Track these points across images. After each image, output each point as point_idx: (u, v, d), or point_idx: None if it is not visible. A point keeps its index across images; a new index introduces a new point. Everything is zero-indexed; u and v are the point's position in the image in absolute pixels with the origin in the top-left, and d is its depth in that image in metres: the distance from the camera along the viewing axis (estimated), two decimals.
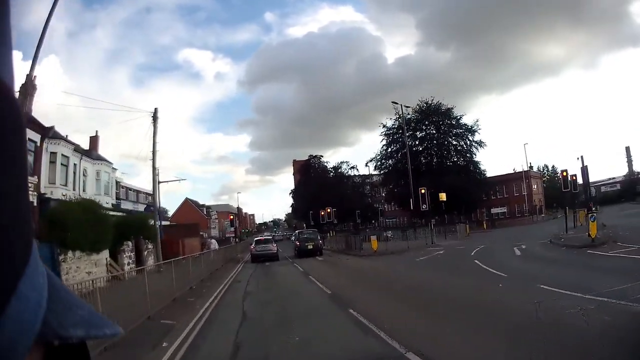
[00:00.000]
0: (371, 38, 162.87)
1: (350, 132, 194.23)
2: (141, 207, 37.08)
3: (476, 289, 9.71)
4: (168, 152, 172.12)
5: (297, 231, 36.89)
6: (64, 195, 17.89)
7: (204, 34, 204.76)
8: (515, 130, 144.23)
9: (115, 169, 33.63)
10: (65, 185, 23.09)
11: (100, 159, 30.11)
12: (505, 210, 60.73)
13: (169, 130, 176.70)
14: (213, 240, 36.29)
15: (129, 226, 19.80)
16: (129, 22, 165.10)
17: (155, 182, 20.66)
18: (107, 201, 29.07)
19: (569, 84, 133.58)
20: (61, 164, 22.87)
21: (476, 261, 15.34)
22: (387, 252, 23.19)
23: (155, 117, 19.80)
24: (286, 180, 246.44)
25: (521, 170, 62.73)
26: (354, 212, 49.37)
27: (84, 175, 27.03)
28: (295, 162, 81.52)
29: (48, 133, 21.73)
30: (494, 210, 59.96)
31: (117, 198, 35.01)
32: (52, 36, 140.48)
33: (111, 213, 23.51)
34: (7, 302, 0.29)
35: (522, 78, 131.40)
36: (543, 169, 79.88)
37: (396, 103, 35.40)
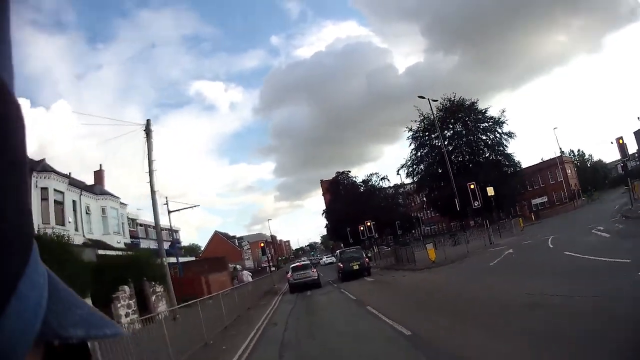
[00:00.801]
0: (379, 50, 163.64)
1: (372, 147, 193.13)
2: (165, 246, 35.60)
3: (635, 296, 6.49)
4: (192, 189, 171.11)
5: (337, 251, 34.83)
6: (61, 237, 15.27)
7: (212, 63, 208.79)
8: (532, 123, 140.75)
9: (125, 205, 30.43)
10: (63, 224, 20.35)
11: (105, 193, 27.38)
12: (546, 199, 58.18)
13: (190, 166, 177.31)
14: (245, 272, 32.93)
15: (124, 267, 16.54)
16: (135, 59, 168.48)
17: (156, 206, 17.77)
18: (118, 240, 26.69)
19: (577, 71, 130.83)
20: (55, 200, 20.20)
21: (567, 252, 13.17)
22: (447, 262, 20.59)
23: (148, 131, 17.42)
24: (316, 202, 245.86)
25: (551, 157, 60.07)
26: (391, 224, 47.45)
27: (87, 212, 24.10)
28: (322, 182, 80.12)
29: (36, 166, 19.54)
30: (534, 201, 57.43)
31: (134, 237, 31.88)
32: (60, 81, 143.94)
33: (109, 253, 21.02)
34: (7, 302, 0.29)
35: (531, 71, 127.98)
36: (570, 154, 76.41)
37: (423, 97, 33.38)
